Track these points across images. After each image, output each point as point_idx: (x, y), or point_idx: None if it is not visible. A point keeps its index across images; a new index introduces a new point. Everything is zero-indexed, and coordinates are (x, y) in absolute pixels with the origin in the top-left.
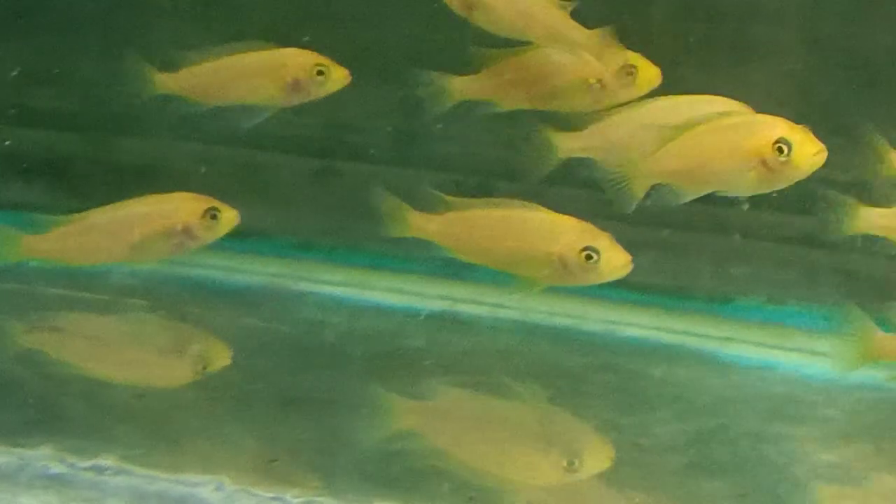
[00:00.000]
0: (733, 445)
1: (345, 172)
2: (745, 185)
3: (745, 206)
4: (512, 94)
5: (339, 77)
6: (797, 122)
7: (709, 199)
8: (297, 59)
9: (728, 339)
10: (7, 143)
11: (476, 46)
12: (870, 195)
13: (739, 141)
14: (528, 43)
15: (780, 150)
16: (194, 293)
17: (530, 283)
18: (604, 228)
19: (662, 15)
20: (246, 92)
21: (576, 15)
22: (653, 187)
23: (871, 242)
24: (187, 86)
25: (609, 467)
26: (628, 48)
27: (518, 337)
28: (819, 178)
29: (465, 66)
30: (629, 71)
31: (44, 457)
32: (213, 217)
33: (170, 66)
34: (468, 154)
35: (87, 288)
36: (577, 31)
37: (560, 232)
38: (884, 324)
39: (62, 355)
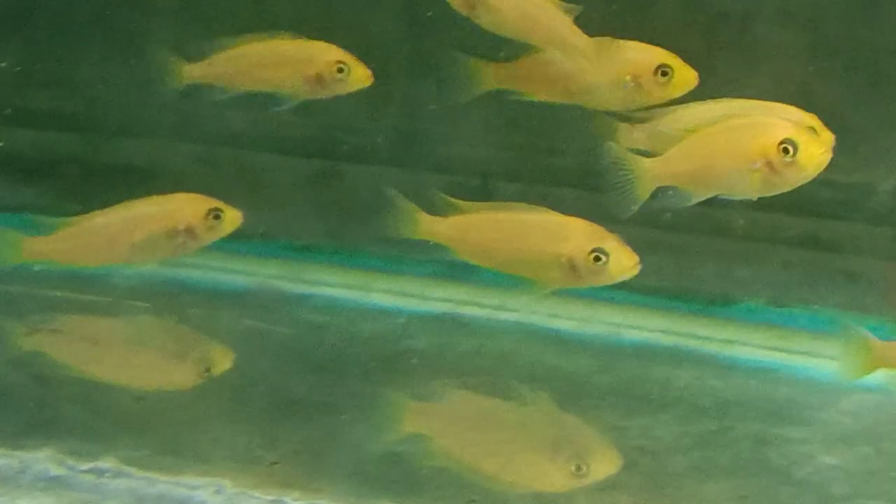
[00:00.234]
0: (735, 448)
1: (346, 174)
2: (750, 187)
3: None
4: (545, 87)
5: (360, 76)
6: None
7: (711, 201)
8: (320, 54)
9: (730, 341)
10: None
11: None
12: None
13: (744, 142)
14: (532, 47)
15: (786, 151)
16: (195, 295)
17: (539, 286)
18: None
19: (665, 20)
20: (270, 81)
21: (580, 20)
22: (659, 189)
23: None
24: (213, 73)
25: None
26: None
27: (520, 339)
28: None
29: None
30: (665, 71)
31: (43, 459)
32: (216, 217)
33: (194, 57)
34: (469, 155)
35: (87, 290)
36: (579, 37)
37: (569, 234)
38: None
39: (62, 358)
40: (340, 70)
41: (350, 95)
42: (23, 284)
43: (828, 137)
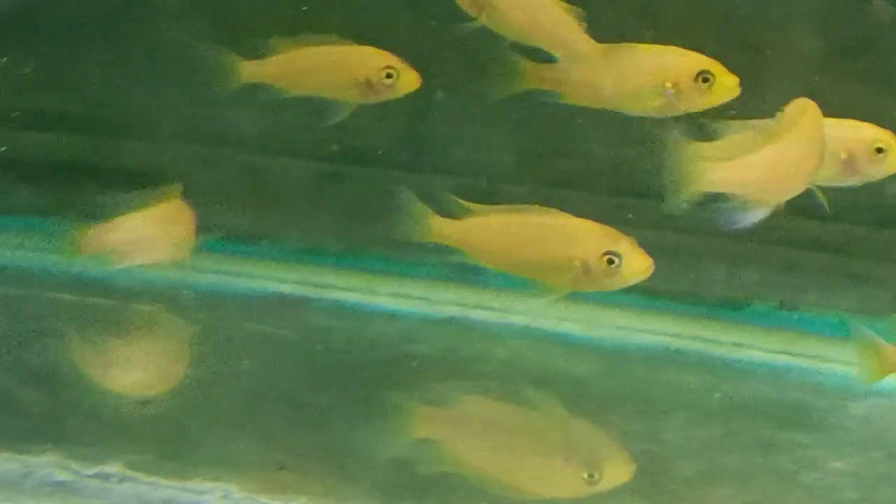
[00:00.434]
0: (744, 452)
1: (352, 177)
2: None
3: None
4: (584, 90)
5: (408, 80)
6: None
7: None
8: (369, 59)
9: (739, 344)
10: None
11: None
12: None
13: (806, 156)
14: (537, 49)
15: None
16: (201, 298)
17: (552, 289)
18: None
19: (671, 24)
20: (323, 86)
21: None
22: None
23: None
24: (271, 74)
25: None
26: None
27: (527, 343)
28: None
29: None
30: (706, 78)
31: (49, 464)
32: (389, 76)
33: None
34: (475, 158)
35: (93, 293)
36: (584, 42)
37: (582, 236)
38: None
39: (67, 361)
40: (389, 76)
41: None
42: (28, 287)
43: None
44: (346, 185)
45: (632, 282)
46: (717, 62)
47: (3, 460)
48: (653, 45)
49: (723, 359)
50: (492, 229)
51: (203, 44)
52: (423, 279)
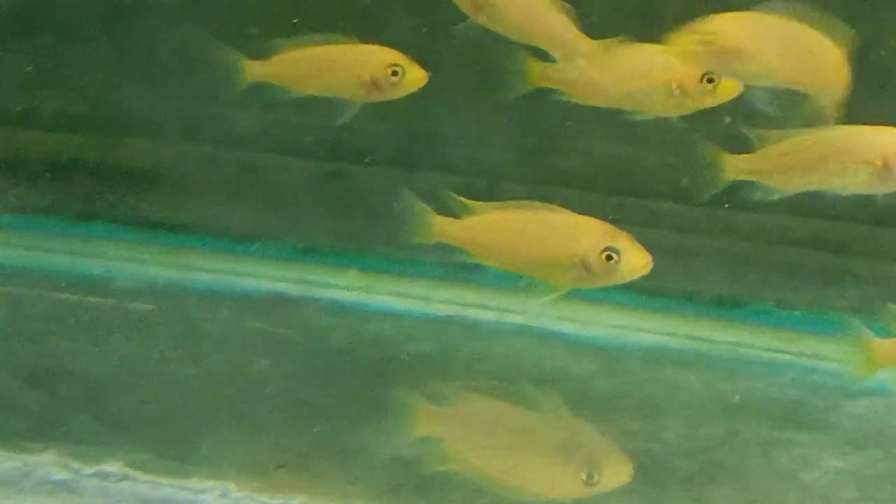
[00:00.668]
0: (743, 451)
1: (351, 175)
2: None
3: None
4: (592, 91)
5: (415, 78)
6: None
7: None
8: (375, 57)
9: (738, 343)
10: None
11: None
12: None
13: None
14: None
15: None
16: (200, 297)
17: (553, 287)
18: None
19: (670, 24)
20: (329, 84)
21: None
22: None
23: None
24: (276, 73)
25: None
26: None
27: (526, 342)
28: None
29: None
30: (710, 78)
31: (48, 463)
32: (395, 74)
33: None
34: (475, 157)
35: (92, 293)
36: (581, 40)
37: (581, 233)
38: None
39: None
40: (395, 73)
41: None
42: (26, 286)
43: None
44: (346, 183)
45: (630, 278)
46: None
47: (2, 459)
48: (658, 45)
49: (721, 358)
50: (494, 228)
51: (208, 43)
52: (422, 278)
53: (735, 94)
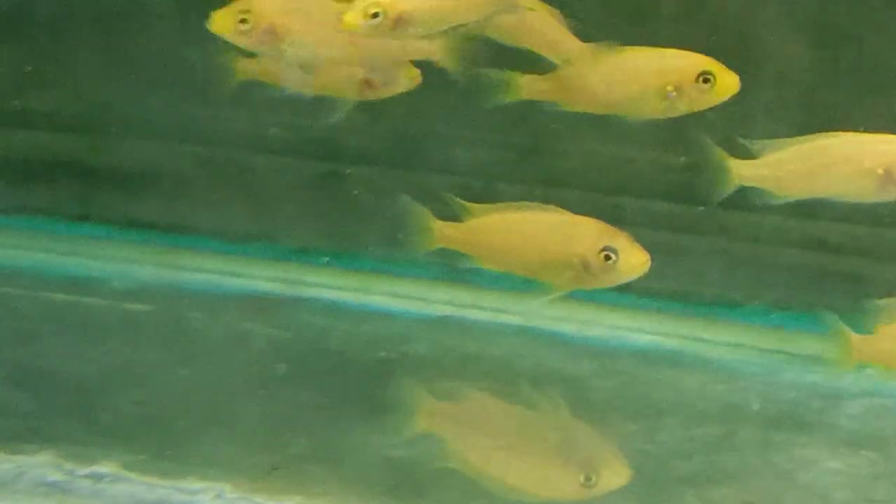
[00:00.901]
0: (740, 452)
1: (348, 176)
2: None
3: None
4: (583, 98)
5: (409, 76)
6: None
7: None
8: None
9: (734, 344)
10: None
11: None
12: None
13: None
14: (544, 60)
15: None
16: (196, 298)
17: (553, 288)
18: None
19: (664, 27)
20: (322, 82)
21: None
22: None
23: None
24: (266, 72)
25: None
26: None
27: (522, 343)
28: None
29: None
30: (707, 78)
31: (42, 464)
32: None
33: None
34: (472, 157)
35: (87, 293)
36: (572, 43)
37: (580, 233)
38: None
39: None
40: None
41: None
42: (22, 287)
43: None
44: (343, 184)
45: (630, 277)
46: (716, 61)
47: None
48: (650, 48)
49: (719, 358)
50: (493, 230)
51: (198, 43)
52: (418, 279)
53: (733, 93)
